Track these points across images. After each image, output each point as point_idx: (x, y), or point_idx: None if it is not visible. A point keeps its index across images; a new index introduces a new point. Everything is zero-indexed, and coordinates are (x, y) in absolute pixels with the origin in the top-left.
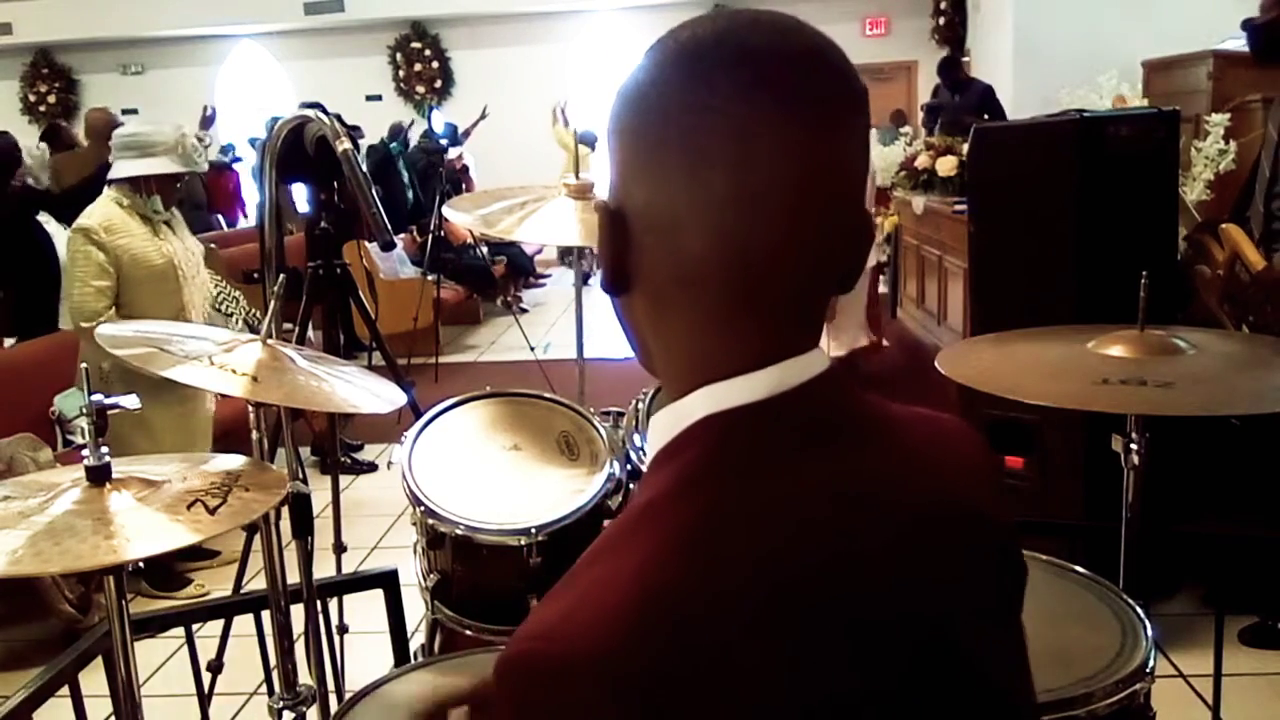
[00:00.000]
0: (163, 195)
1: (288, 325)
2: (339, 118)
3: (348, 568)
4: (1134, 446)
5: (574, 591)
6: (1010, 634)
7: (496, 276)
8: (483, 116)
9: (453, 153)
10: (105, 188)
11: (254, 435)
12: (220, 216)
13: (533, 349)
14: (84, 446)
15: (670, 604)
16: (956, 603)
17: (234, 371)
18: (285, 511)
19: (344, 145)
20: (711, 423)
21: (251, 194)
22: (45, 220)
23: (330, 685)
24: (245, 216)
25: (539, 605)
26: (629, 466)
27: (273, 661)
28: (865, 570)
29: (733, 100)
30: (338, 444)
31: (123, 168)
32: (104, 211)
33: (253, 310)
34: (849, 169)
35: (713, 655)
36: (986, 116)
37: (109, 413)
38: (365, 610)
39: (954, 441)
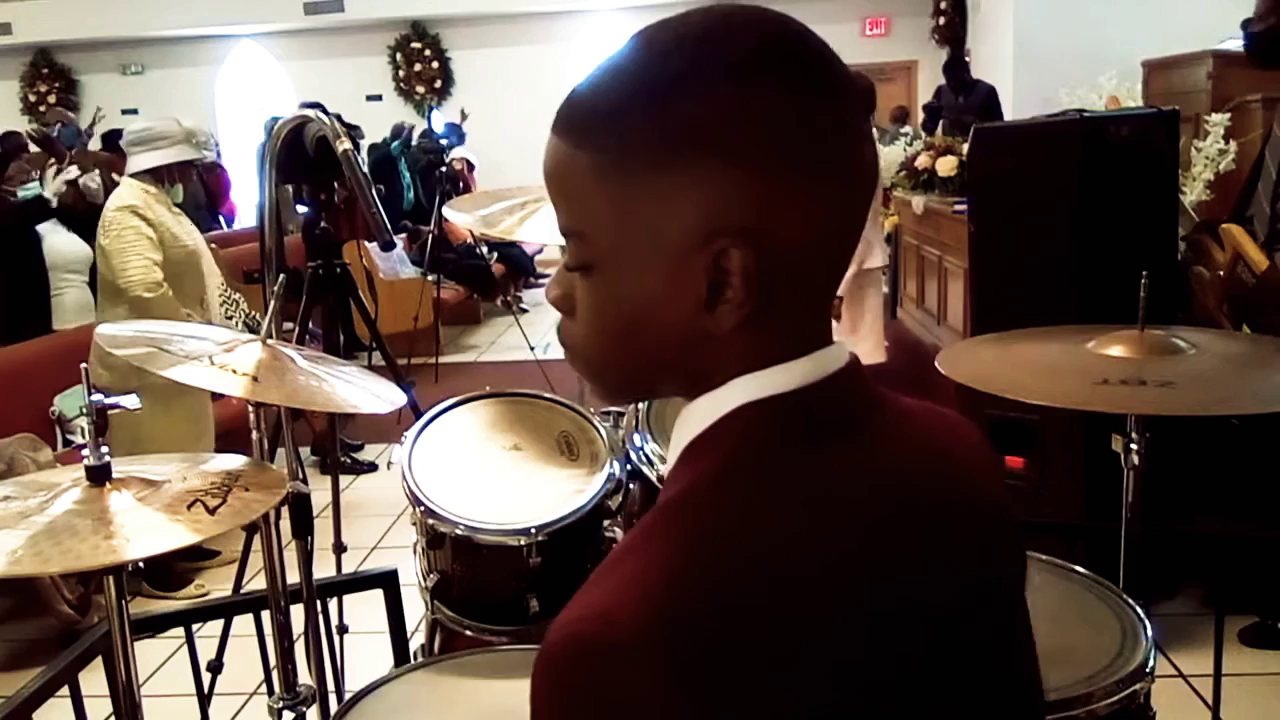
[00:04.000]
0: (183, 183)
1: (288, 325)
2: (339, 118)
3: (348, 568)
4: (1134, 446)
5: (618, 575)
6: (1022, 623)
7: (497, 277)
8: (463, 119)
9: (455, 152)
10: (125, 179)
11: (254, 435)
12: (221, 216)
13: (533, 349)
14: (84, 446)
15: (711, 586)
16: (977, 591)
17: (234, 371)
18: (285, 511)
19: (344, 145)
20: (748, 411)
21: (243, 192)
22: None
23: (330, 685)
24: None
25: (579, 593)
26: (629, 466)
27: (273, 661)
28: (896, 558)
29: (827, 102)
30: (338, 444)
31: (140, 161)
32: (135, 195)
33: (252, 313)
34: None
35: (751, 637)
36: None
37: (109, 413)
38: (365, 610)
39: (961, 434)
